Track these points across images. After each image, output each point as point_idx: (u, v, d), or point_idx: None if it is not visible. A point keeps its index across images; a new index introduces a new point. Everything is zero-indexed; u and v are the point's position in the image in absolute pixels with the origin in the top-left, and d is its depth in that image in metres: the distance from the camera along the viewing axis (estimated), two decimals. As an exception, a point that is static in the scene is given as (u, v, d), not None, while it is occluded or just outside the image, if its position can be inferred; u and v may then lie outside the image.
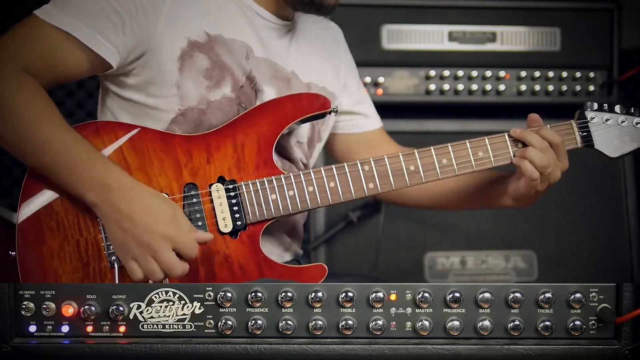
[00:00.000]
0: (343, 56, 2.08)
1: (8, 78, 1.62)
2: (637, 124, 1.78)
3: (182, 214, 1.64)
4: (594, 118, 1.77)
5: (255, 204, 1.70)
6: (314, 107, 1.76)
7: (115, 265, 1.63)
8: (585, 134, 1.77)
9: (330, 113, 1.79)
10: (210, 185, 1.70)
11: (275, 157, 1.75)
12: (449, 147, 1.74)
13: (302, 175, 1.72)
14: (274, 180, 1.71)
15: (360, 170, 1.73)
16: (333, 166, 1.73)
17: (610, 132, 1.77)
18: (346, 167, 1.73)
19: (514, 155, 1.75)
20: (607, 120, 1.77)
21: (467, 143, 1.74)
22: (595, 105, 1.79)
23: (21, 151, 1.64)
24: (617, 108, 1.78)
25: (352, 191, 1.73)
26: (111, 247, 1.64)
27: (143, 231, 1.58)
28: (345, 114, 2.06)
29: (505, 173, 1.86)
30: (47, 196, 1.66)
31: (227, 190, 1.70)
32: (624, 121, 1.78)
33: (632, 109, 1.79)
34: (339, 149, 2.08)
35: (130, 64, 1.72)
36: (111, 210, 1.60)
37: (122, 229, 1.59)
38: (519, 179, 1.78)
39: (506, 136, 1.75)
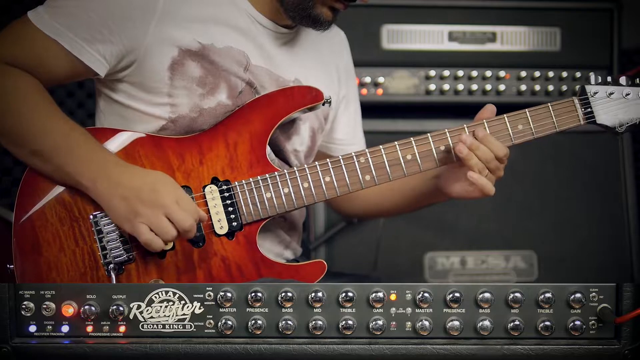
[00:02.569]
0: (344, 67, 2.05)
1: (2, 70, 1.65)
2: None
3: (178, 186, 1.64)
4: (597, 93, 1.72)
5: (250, 204, 1.69)
6: (307, 99, 1.75)
7: (112, 274, 1.62)
8: (587, 109, 1.72)
9: (324, 104, 1.77)
10: (204, 187, 1.69)
11: (272, 157, 1.74)
12: (447, 132, 1.71)
13: (296, 171, 1.70)
14: (268, 178, 1.70)
15: (356, 163, 1.71)
16: (328, 160, 1.71)
17: (614, 105, 1.72)
18: (341, 160, 1.71)
19: (513, 138, 1.72)
20: (610, 94, 1.72)
21: (465, 128, 1.71)
22: (599, 79, 1.73)
23: (20, 137, 1.64)
24: (622, 80, 1.73)
25: (349, 184, 1.71)
26: (107, 255, 1.63)
27: (149, 192, 1.58)
28: (341, 139, 2.05)
29: (438, 171, 1.82)
30: (41, 208, 1.65)
31: (221, 192, 1.69)
32: (629, 94, 1.72)
33: (638, 80, 1.74)
34: None
35: (120, 71, 1.72)
36: (112, 185, 1.60)
37: (125, 198, 1.59)
38: (460, 181, 1.76)
39: (505, 118, 1.72)
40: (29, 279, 1.63)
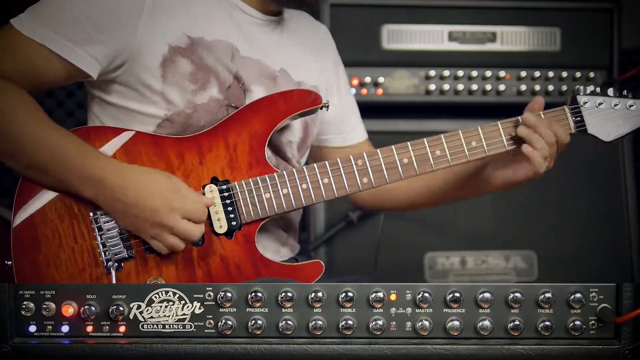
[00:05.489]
0: (332, 57, 2.07)
1: None
2: (630, 106, 1.77)
3: (180, 181, 1.65)
4: (586, 102, 1.76)
5: (250, 204, 1.70)
6: (306, 103, 1.76)
7: (112, 271, 1.63)
8: (578, 119, 1.76)
9: (322, 108, 1.78)
10: (204, 186, 1.69)
11: (269, 154, 1.74)
12: (442, 137, 1.74)
13: (295, 173, 1.71)
14: (267, 179, 1.71)
15: (354, 165, 1.73)
16: (326, 162, 1.73)
17: (603, 116, 1.76)
18: (339, 162, 1.72)
19: (510, 143, 1.74)
20: (600, 104, 1.76)
21: (460, 133, 1.74)
22: (588, 90, 1.78)
23: (14, 152, 1.63)
24: (610, 91, 1.77)
25: (346, 187, 1.73)
26: (107, 253, 1.64)
27: (151, 212, 1.60)
28: (335, 126, 2.05)
29: (481, 162, 1.84)
30: (40, 204, 1.65)
31: (221, 191, 1.69)
32: (617, 104, 1.76)
33: (625, 91, 1.78)
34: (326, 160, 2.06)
35: (112, 71, 1.71)
36: (112, 203, 1.62)
37: (130, 216, 1.61)
38: (506, 167, 1.78)
39: (499, 125, 1.75)
40: (27, 275, 1.63)
